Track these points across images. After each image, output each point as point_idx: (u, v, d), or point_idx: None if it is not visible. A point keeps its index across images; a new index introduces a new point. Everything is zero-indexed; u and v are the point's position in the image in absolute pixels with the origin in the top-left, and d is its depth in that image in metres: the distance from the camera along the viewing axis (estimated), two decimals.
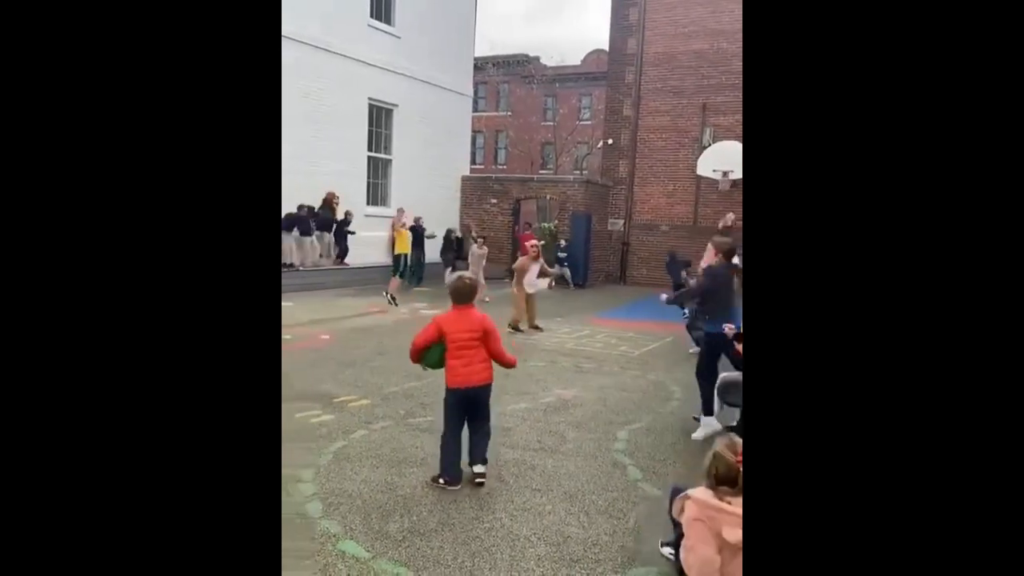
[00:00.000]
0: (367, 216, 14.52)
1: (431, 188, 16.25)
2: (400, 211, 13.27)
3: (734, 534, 2.40)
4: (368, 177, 14.90)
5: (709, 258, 4.86)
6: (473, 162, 22.56)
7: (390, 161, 15.47)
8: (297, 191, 12.45)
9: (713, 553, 2.45)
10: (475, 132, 25.96)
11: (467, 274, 4.11)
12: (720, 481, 2.55)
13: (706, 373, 4.66)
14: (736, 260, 4.77)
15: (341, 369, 6.53)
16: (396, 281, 11.60)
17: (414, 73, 15.56)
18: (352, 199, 13.96)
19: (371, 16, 14.52)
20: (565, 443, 4.71)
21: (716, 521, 2.48)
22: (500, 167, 35.05)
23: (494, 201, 17.44)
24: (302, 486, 3.79)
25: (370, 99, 14.61)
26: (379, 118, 15.14)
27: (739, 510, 2.40)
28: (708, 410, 4.74)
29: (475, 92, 20.20)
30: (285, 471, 3.95)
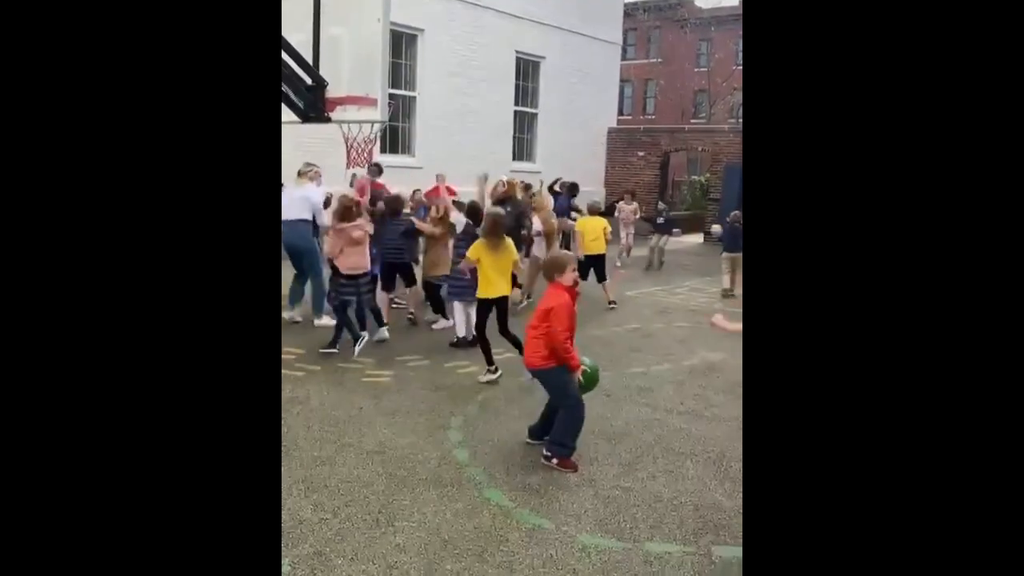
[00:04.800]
0: (512, 172, 14.66)
1: (576, 142, 16.05)
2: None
3: None
4: (514, 132, 14.99)
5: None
6: (620, 113, 21.88)
7: (536, 115, 15.44)
8: (455, 150, 12.78)
9: None
10: (623, 82, 25.11)
11: None
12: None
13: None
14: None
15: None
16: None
17: (561, 23, 15.28)
18: (499, 156, 14.13)
19: None
20: (710, 407, 4.58)
21: None
22: (648, 117, 33.86)
23: (641, 154, 16.93)
24: (450, 433, 3.99)
25: (517, 52, 14.58)
26: (526, 71, 15.10)
27: None
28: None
29: (624, 39, 19.48)
30: (435, 419, 4.18)
